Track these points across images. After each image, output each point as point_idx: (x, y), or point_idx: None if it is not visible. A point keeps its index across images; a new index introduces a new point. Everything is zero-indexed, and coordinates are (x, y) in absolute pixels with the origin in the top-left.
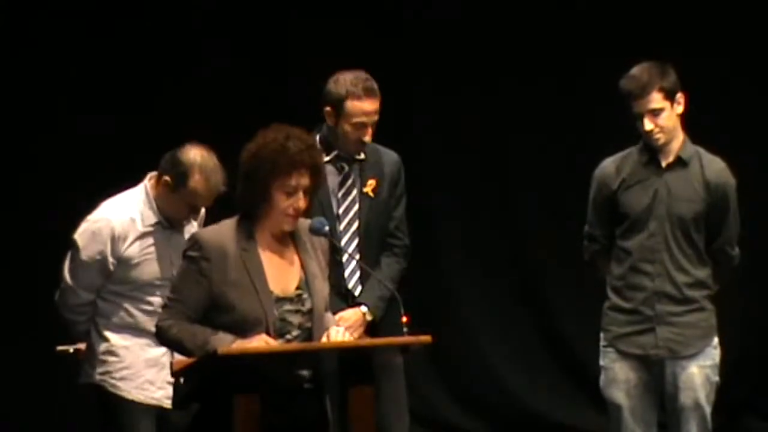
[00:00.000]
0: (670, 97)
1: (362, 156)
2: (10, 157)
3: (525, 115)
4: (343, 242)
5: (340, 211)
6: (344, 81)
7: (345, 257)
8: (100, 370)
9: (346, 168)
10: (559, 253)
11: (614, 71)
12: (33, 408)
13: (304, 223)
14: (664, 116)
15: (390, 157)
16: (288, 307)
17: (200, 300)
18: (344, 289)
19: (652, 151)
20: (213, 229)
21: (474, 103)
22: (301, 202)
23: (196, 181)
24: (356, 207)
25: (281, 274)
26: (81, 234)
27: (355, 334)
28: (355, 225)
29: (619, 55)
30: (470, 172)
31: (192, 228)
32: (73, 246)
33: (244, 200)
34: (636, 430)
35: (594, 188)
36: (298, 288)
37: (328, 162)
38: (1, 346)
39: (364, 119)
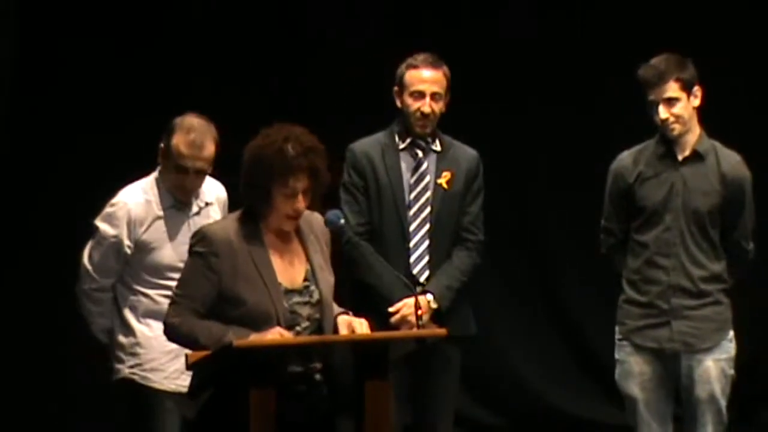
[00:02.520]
0: (687, 88)
1: (438, 148)
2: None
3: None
4: (411, 228)
5: (411, 197)
6: (407, 59)
7: (412, 243)
8: (129, 363)
9: (420, 155)
10: (576, 250)
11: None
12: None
13: (308, 215)
14: (680, 106)
15: (467, 152)
16: (297, 299)
17: (209, 295)
18: (410, 275)
19: (668, 144)
20: (219, 224)
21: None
22: (300, 204)
23: (177, 138)
24: (428, 194)
25: (288, 266)
26: (100, 217)
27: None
28: (426, 211)
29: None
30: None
31: (213, 211)
32: (94, 230)
33: (246, 198)
34: (651, 422)
35: (610, 181)
36: (305, 280)
37: (402, 149)
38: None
39: (420, 87)
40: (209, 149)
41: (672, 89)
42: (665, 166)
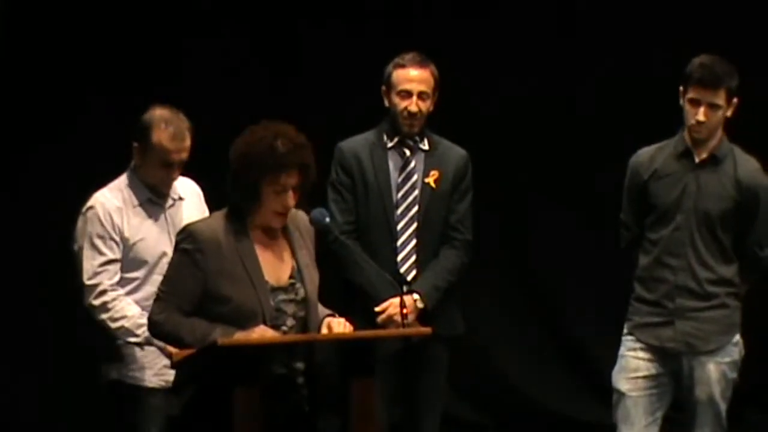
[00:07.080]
0: (729, 98)
1: (426, 146)
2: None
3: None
4: (399, 227)
5: (399, 196)
6: (395, 58)
7: (399, 242)
8: (118, 363)
9: (408, 153)
10: (564, 249)
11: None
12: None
13: (294, 213)
14: (718, 114)
15: (456, 151)
16: (282, 296)
17: (194, 292)
18: (397, 274)
19: (687, 144)
20: (205, 221)
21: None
22: (290, 200)
23: (157, 134)
24: (415, 193)
25: (274, 264)
26: (81, 229)
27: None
28: (414, 210)
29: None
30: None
31: (189, 205)
32: (80, 247)
33: (233, 195)
34: (636, 420)
35: (627, 175)
36: (291, 277)
37: (390, 148)
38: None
39: (407, 86)
40: (189, 138)
41: (720, 97)
42: (681, 167)
